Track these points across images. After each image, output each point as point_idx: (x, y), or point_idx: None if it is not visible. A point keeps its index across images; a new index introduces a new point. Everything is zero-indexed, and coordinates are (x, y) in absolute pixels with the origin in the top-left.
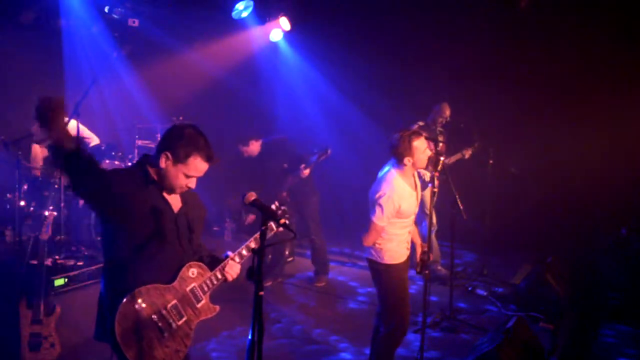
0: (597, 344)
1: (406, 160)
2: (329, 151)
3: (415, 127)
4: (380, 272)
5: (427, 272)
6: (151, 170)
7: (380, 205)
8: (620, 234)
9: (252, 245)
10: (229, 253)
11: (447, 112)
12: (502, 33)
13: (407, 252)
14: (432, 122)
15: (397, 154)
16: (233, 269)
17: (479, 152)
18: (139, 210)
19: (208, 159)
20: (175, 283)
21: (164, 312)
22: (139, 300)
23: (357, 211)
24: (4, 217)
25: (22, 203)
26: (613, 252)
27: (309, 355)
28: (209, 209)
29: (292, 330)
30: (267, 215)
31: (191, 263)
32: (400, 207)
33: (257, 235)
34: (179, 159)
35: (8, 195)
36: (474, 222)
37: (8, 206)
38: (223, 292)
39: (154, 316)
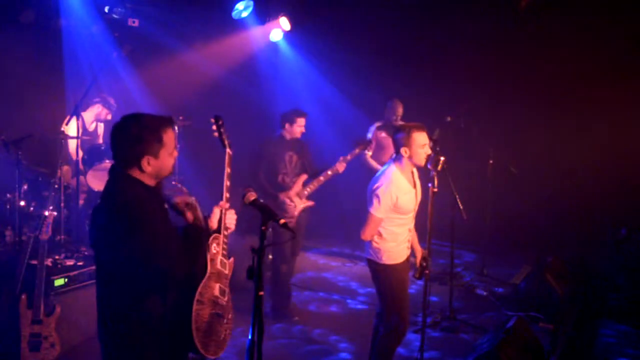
0: (597, 344)
1: (403, 150)
2: (368, 142)
3: (374, 126)
4: (379, 272)
5: (427, 272)
6: (139, 178)
7: (377, 196)
8: (620, 234)
9: (228, 183)
10: (214, 208)
11: (400, 109)
12: (502, 33)
13: (408, 252)
14: (387, 119)
15: (396, 144)
16: (231, 218)
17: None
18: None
19: (171, 122)
20: (209, 268)
21: (217, 300)
22: (200, 305)
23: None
24: (4, 217)
25: (22, 203)
26: (613, 252)
27: (309, 355)
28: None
29: (292, 330)
30: (267, 215)
31: (209, 241)
32: (398, 200)
33: (227, 182)
34: (157, 148)
35: (8, 195)
36: (474, 222)
37: (8, 206)
38: None
39: (213, 310)
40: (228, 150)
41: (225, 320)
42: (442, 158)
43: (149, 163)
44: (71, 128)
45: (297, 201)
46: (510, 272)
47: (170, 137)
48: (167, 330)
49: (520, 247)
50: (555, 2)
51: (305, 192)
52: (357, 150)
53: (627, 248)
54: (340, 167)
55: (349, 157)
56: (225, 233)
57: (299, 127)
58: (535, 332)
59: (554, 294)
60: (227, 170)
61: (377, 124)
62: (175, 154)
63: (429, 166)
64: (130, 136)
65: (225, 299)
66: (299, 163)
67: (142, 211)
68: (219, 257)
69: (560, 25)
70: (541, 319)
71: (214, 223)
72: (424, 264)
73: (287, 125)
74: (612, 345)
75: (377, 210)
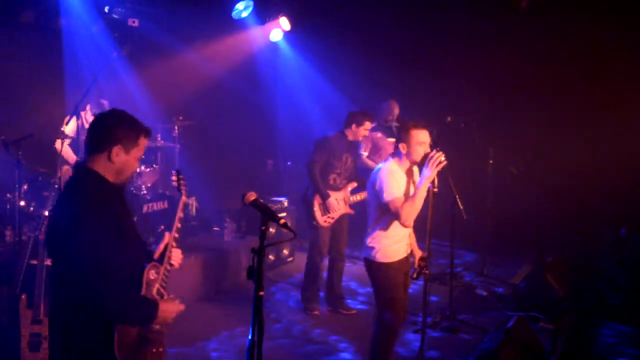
0: (597, 344)
1: (400, 146)
2: None
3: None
4: (373, 270)
5: (427, 272)
6: (102, 173)
7: (383, 182)
8: (620, 234)
9: (179, 225)
10: (159, 246)
11: (396, 110)
12: (503, 33)
13: (406, 250)
14: (383, 121)
15: (397, 140)
16: (176, 256)
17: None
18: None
19: (148, 134)
20: (144, 289)
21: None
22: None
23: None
24: (4, 217)
25: (22, 203)
26: (613, 252)
27: (309, 355)
28: (209, 209)
29: (292, 330)
30: (267, 215)
31: (150, 265)
32: (400, 187)
33: (177, 224)
34: (131, 144)
35: (8, 195)
36: (474, 222)
37: (8, 206)
38: (223, 292)
39: (141, 332)
40: (184, 197)
41: (154, 350)
42: (442, 159)
43: (118, 154)
44: (70, 128)
45: (342, 205)
46: (510, 272)
47: (143, 143)
48: (93, 336)
49: (520, 247)
50: (556, 2)
51: (352, 199)
52: None
53: (627, 248)
54: None
55: None
56: (168, 267)
57: (365, 129)
58: (535, 332)
59: (554, 294)
60: (180, 214)
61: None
62: (138, 165)
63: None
64: (110, 123)
65: (157, 327)
66: (352, 167)
67: (100, 208)
68: (157, 286)
69: (561, 24)
70: (541, 319)
71: (160, 250)
72: (422, 264)
73: (353, 126)
74: (612, 345)
75: (391, 192)
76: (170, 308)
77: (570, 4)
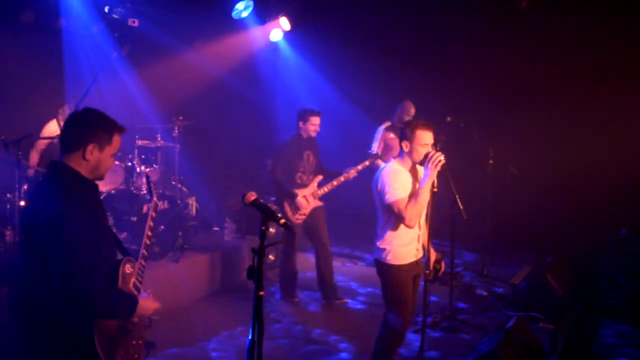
0: (597, 344)
1: (403, 144)
2: (378, 155)
3: (383, 126)
4: (384, 272)
5: (427, 272)
6: (78, 170)
7: (385, 184)
8: (620, 234)
9: (151, 223)
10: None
11: (412, 111)
12: (503, 33)
13: (416, 254)
14: (398, 121)
15: (400, 138)
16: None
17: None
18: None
19: (122, 131)
20: (120, 282)
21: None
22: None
23: (357, 212)
24: (4, 217)
25: (22, 203)
26: (613, 252)
27: (309, 355)
28: (209, 209)
29: (292, 330)
30: (267, 215)
31: (125, 259)
32: (404, 187)
33: (150, 222)
34: (105, 142)
35: (8, 195)
36: (474, 222)
37: (8, 206)
38: (223, 292)
39: (121, 323)
40: (155, 199)
41: (134, 341)
42: (441, 159)
43: (92, 152)
44: (50, 129)
45: (311, 200)
46: (510, 272)
47: (117, 141)
48: (72, 336)
49: (520, 247)
50: (556, 1)
51: (319, 192)
52: (367, 162)
53: (627, 248)
54: (352, 174)
55: (359, 168)
56: (143, 262)
57: (312, 125)
58: (535, 332)
59: (554, 294)
60: (152, 214)
61: (386, 124)
62: (113, 162)
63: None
64: (84, 122)
65: (135, 319)
66: (315, 162)
67: (75, 201)
68: (132, 279)
69: (561, 24)
70: (541, 319)
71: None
72: (437, 266)
73: (300, 124)
74: (612, 345)
75: (394, 193)
76: (148, 305)
77: (571, 4)
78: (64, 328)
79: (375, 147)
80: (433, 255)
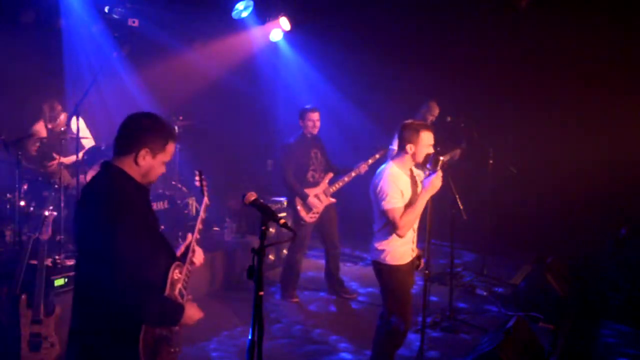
0: (597, 344)
1: (408, 147)
2: (388, 148)
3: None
4: (382, 272)
5: (427, 272)
6: (130, 173)
7: (383, 191)
8: (620, 234)
9: (200, 226)
10: (180, 246)
11: (437, 111)
12: (502, 33)
13: (412, 254)
14: (420, 119)
15: (401, 140)
16: (199, 256)
17: (465, 154)
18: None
19: (177, 139)
20: (168, 289)
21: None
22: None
23: (357, 212)
24: (4, 217)
25: (22, 203)
26: (613, 252)
27: (309, 355)
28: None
29: (292, 330)
30: (267, 215)
31: (175, 264)
32: (403, 193)
33: (199, 225)
34: (158, 149)
35: (8, 195)
36: (474, 222)
37: (8, 206)
38: (223, 292)
39: (163, 331)
40: (206, 199)
41: (172, 350)
42: (441, 158)
43: (144, 158)
44: (71, 128)
45: (323, 198)
46: (510, 272)
47: (171, 148)
48: (120, 339)
49: (520, 247)
50: (556, 1)
51: (331, 190)
52: (377, 155)
53: (627, 248)
54: (363, 169)
55: (370, 161)
56: (189, 267)
57: (310, 121)
58: (535, 332)
59: (554, 294)
60: (202, 215)
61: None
62: (164, 170)
63: (428, 166)
64: (139, 125)
65: (177, 328)
66: (323, 159)
67: (127, 206)
68: (179, 286)
69: (561, 24)
70: (541, 319)
71: (181, 250)
72: (417, 263)
73: (300, 122)
74: (612, 345)
75: (391, 201)
76: (193, 314)
77: (571, 4)
78: (111, 333)
79: (396, 146)
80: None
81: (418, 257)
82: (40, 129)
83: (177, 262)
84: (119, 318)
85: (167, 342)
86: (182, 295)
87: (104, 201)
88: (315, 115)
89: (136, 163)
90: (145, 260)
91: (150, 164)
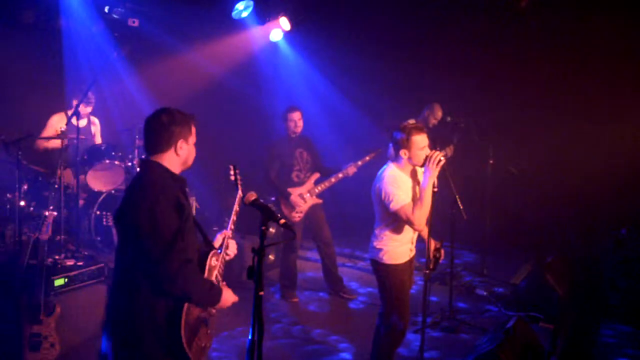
0: (597, 344)
1: (402, 152)
2: (379, 150)
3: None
4: (380, 272)
5: (427, 272)
6: (168, 167)
7: (388, 191)
8: (620, 234)
9: (235, 218)
10: (217, 236)
11: (440, 113)
12: (502, 32)
13: (411, 254)
14: (423, 121)
15: (396, 145)
16: (232, 247)
17: (458, 149)
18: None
19: (194, 119)
20: (207, 273)
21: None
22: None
23: (357, 212)
24: (4, 217)
25: (22, 203)
26: (613, 252)
27: (309, 355)
28: (209, 209)
29: (292, 330)
30: (267, 215)
31: (212, 251)
32: (405, 192)
33: (234, 217)
34: (188, 134)
35: (8, 195)
36: (474, 222)
37: (8, 206)
38: None
39: (202, 314)
40: (240, 192)
41: (208, 330)
42: (441, 158)
43: (182, 147)
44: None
45: (307, 197)
46: (510, 272)
47: (194, 129)
48: (163, 318)
49: (520, 247)
50: (556, 1)
51: (316, 190)
52: (367, 158)
53: (627, 248)
54: (351, 170)
55: (359, 163)
56: (225, 257)
57: (291, 122)
58: (535, 332)
59: (554, 294)
60: (236, 208)
61: (411, 121)
62: (195, 150)
63: (427, 166)
64: (169, 122)
65: (214, 311)
66: (310, 159)
67: (168, 192)
68: (215, 272)
69: (561, 24)
70: (541, 319)
71: (217, 240)
72: (437, 255)
73: (284, 123)
74: (612, 345)
75: (398, 200)
76: (230, 297)
77: (571, 3)
78: (155, 312)
79: (391, 150)
80: (432, 244)
81: (437, 249)
82: (61, 119)
83: (214, 250)
84: (163, 299)
85: (205, 324)
86: (218, 282)
87: (146, 195)
88: (295, 115)
89: (177, 154)
90: (186, 243)
91: (187, 151)
